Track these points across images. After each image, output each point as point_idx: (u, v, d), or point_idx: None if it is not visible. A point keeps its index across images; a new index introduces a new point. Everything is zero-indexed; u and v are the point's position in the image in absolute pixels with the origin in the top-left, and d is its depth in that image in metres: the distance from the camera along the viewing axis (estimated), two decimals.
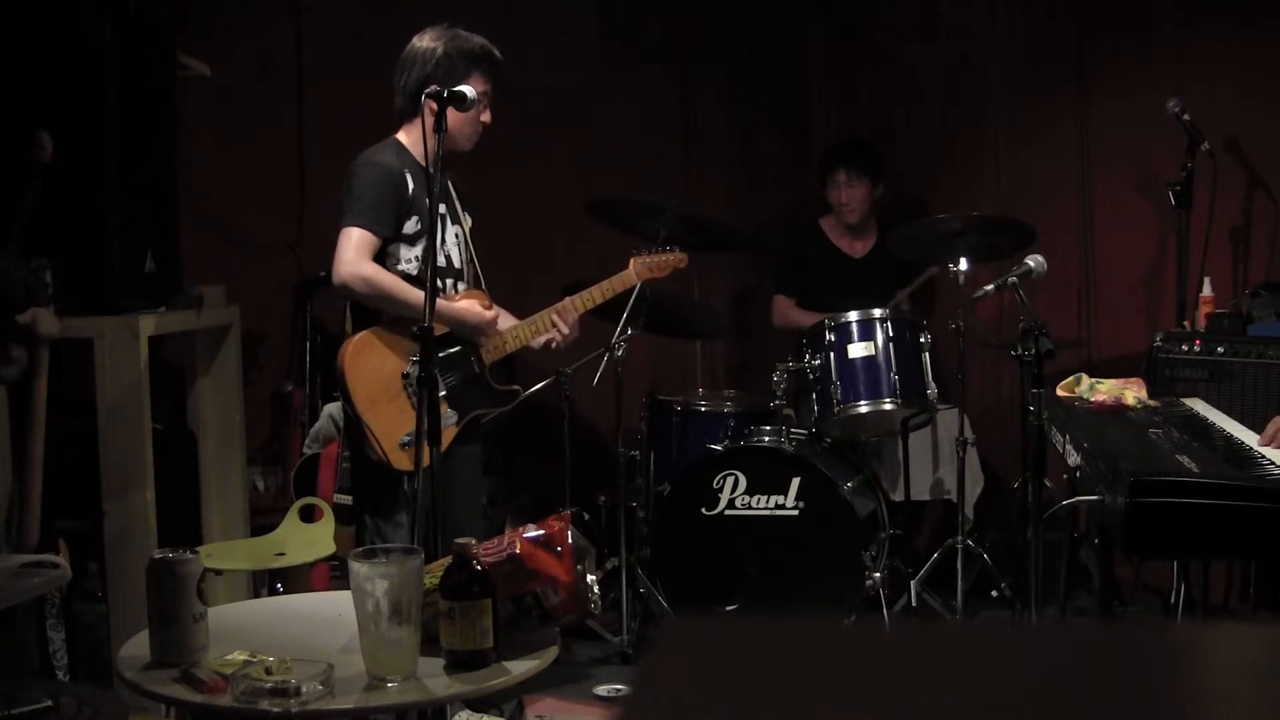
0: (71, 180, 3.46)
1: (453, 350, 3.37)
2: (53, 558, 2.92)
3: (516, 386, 3.55)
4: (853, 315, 4.35)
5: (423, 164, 3.37)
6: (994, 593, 4.36)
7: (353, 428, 3.34)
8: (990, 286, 3.70)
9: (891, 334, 4.29)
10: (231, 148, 4.92)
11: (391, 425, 3.28)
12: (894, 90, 5.41)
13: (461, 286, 3.46)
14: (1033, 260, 3.72)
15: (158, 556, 2.27)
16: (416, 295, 3.11)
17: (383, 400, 3.29)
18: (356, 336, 3.33)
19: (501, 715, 3.52)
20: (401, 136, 3.43)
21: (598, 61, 5.28)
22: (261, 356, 4.97)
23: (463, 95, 3.01)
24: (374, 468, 3.31)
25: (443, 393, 3.19)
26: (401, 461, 3.27)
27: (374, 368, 3.30)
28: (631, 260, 3.77)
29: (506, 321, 3.53)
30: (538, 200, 5.12)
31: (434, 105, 3.03)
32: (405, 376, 3.30)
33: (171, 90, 4.03)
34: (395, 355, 3.32)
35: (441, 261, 3.39)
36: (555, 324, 3.52)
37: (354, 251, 3.26)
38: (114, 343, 3.60)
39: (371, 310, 3.35)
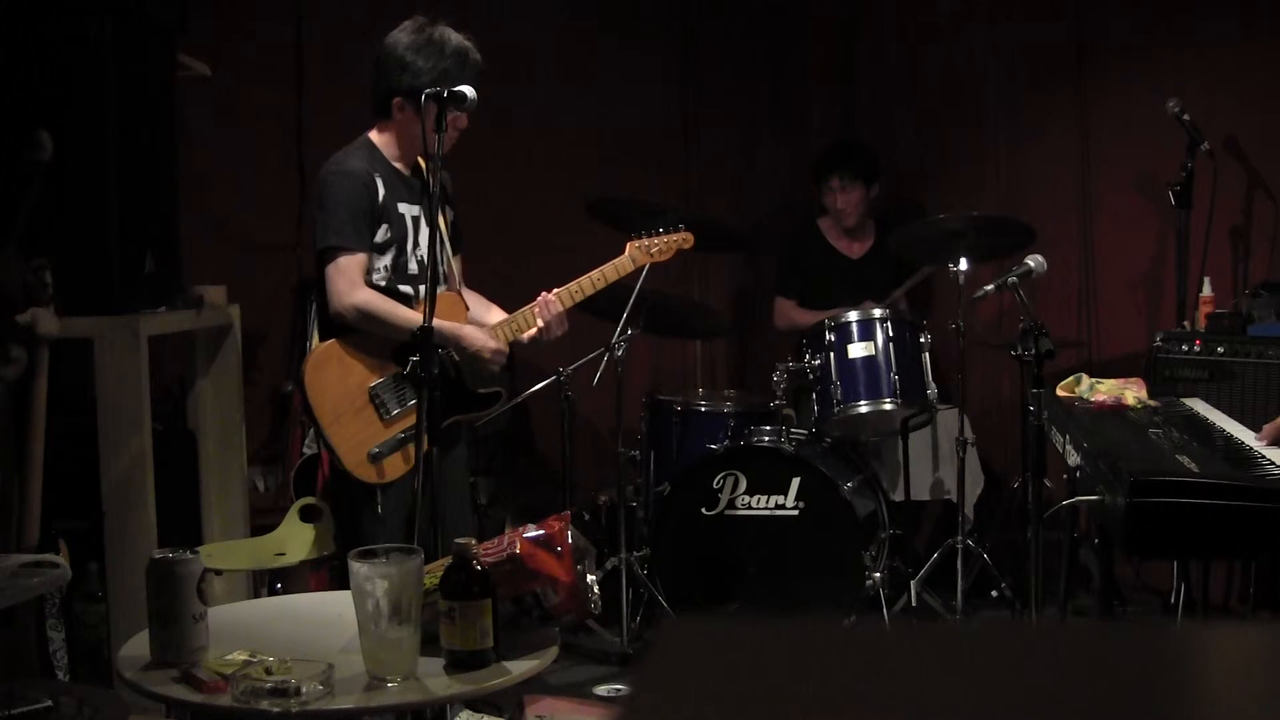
0: (71, 180, 3.45)
1: None
2: (53, 558, 2.91)
3: (498, 389, 3.44)
4: (852, 315, 4.35)
5: (395, 166, 3.31)
6: (994, 593, 4.35)
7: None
8: (990, 286, 3.71)
9: (891, 334, 4.29)
10: (231, 148, 4.91)
11: (357, 439, 3.24)
12: (893, 90, 5.41)
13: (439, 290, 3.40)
14: (1033, 260, 3.73)
15: (158, 556, 2.27)
16: (412, 317, 3.09)
17: (347, 414, 3.23)
18: (317, 350, 3.29)
19: (501, 715, 3.51)
20: (374, 136, 3.34)
21: (598, 61, 5.28)
22: (261, 356, 4.97)
23: (463, 95, 3.01)
24: (347, 482, 3.27)
25: (412, 401, 3.14)
26: (369, 475, 3.24)
27: (336, 381, 3.25)
28: (628, 245, 3.63)
29: (493, 317, 3.46)
30: (538, 200, 5.12)
31: (433, 106, 3.00)
32: (373, 389, 3.25)
33: (171, 90, 4.02)
34: (360, 368, 3.26)
35: (414, 268, 3.31)
36: (537, 317, 3.39)
37: (345, 282, 3.20)
38: (114, 343, 3.59)
39: (338, 322, 3.26)
